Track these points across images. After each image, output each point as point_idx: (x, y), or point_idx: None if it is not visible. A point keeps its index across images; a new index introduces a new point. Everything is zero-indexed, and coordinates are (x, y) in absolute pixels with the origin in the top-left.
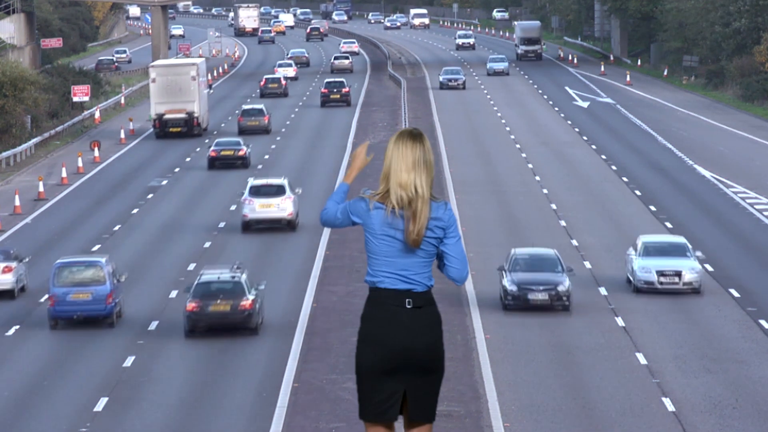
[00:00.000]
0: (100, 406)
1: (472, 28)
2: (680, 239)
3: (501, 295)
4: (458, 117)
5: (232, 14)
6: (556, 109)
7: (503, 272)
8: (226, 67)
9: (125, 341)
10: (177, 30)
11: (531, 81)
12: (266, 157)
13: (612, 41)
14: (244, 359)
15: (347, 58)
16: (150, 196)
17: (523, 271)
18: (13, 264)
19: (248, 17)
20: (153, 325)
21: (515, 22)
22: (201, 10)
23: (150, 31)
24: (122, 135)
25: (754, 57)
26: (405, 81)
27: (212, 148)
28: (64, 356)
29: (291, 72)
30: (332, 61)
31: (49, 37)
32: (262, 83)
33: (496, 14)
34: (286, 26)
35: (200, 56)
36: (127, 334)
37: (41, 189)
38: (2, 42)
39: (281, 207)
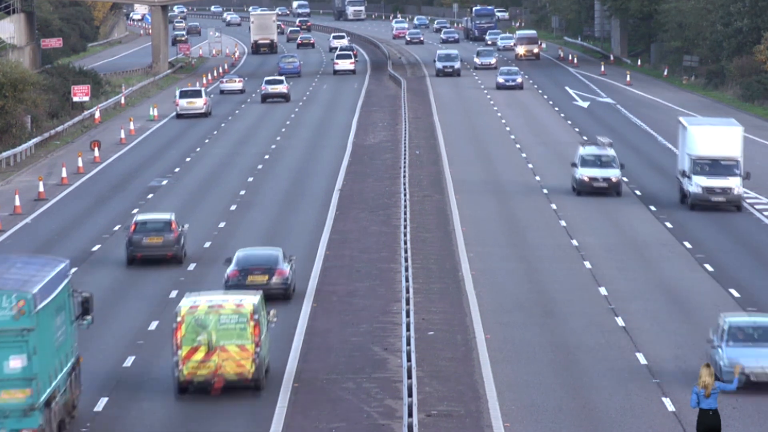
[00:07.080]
0: (100, 406)
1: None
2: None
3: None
4: (458, 117)
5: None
6: (556, 109)
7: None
8: (226, 67)
9: (125, 341)
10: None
11: (531, 81)
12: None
13: (612, 41)
14: None
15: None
16: (150, 196)
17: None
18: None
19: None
20: (153, 325)
21: (680, 119)
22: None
23: (150, 31)
24: (122, 135)
25: (754, 57)
26: (405, 81)
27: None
28: None
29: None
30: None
31: (49, 37)
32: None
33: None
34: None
35: (200, 56)
36: (127, 334)
37: (41, 189)
38: (2, 42)
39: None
